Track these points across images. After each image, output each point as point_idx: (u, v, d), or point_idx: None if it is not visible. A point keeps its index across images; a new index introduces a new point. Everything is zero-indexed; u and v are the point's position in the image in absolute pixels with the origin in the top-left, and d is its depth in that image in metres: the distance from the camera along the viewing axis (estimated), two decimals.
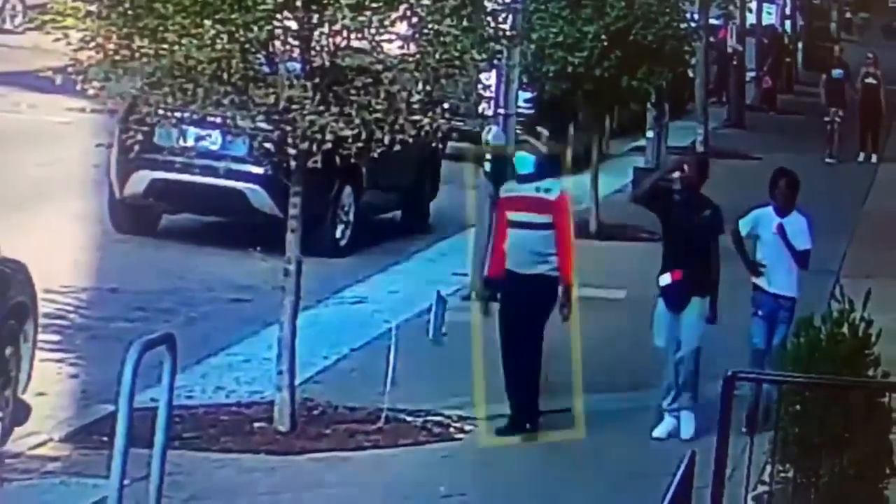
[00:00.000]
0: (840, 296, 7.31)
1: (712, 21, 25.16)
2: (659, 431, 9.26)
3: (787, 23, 35.49)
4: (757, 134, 25.89)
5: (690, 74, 21.57)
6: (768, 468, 7.07)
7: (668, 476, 5.66)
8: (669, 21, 15.83)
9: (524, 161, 9.13)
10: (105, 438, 7.96)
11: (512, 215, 9.12)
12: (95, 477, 7.74)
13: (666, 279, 9.20)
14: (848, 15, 49.18)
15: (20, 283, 8.69)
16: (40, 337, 9.07)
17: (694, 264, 9.14)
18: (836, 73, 24.41)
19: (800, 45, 36.96)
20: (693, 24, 17.43)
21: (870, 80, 24.26)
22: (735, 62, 27.54)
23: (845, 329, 7.17)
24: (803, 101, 29.70)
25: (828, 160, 23.32)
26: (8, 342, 8.45)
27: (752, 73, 29.80)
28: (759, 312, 9.40)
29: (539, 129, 8.90)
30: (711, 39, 25.11)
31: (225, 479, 8.23)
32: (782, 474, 6.99)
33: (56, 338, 10.14)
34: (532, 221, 9.04)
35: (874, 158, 23.92)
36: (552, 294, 9.04)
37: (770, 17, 33.79)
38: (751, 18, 29.84)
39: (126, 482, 7.26)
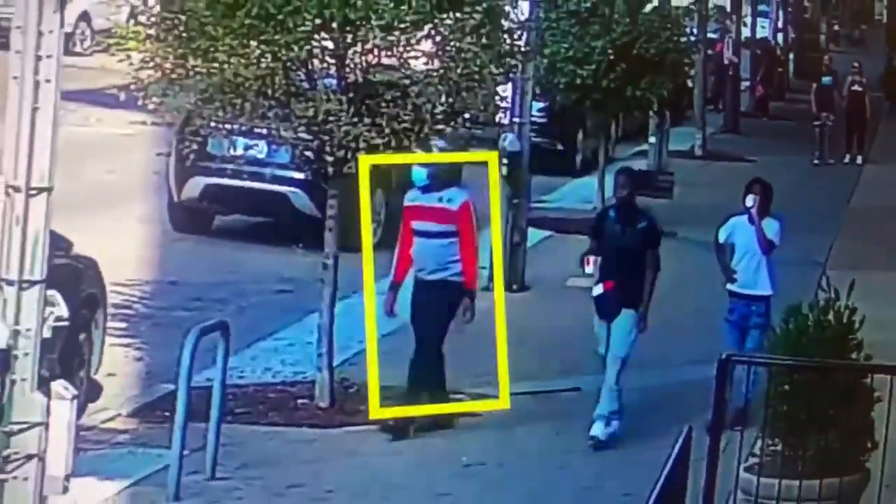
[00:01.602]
0: (826, 286, 7.28)
1: (710, 35, 25.15)
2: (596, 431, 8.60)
3: (780, 35, 35.35)
4: (751, 138, 25.79)
5: (690, 84, 21.57)
6: (759, 442, 7.07)
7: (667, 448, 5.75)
8: (670, 36, 15.87)
9: (418, 174, 8.78)
10: (167, 414, 8.10)
11: (416, 224, 8.77)
12: (159, 447, 7.87)
13: (598, 289, 8.71)
14: (836, 27, 48.90)
15: (91, 278, 8.86)
16: (109, 324, 9.23)
17: (625, 276, 8.62)
18: (826, 80, 24.28)
19: (791, 55, 36.82)
20: (692, 39, 17.44)
21: (856, 87, 24.13)
22: (731, 72, 27.47)
23: (831, 316, 7.12)
24: (794, 108, 29.54)
25: (816, 161, 23.27)
26: (81, 329, 8.60)
27: (747, 83, 29.69)
28: (731, 317, 9.00)
29: (432, 143, 8.60)
30: (709, 52, 25.09)
31: (272, 450, 8.36)
32: (771, 448, 6.95)
33: (123, 325, 10.26)
34: (434, 230, 8.69)
35: (859, 160, 23.82)
36: (455, 298, 8.67)
37: (764, 31, 33.66)
38: (745, 32, 29.78)
39: (186, 452, 7.46)
